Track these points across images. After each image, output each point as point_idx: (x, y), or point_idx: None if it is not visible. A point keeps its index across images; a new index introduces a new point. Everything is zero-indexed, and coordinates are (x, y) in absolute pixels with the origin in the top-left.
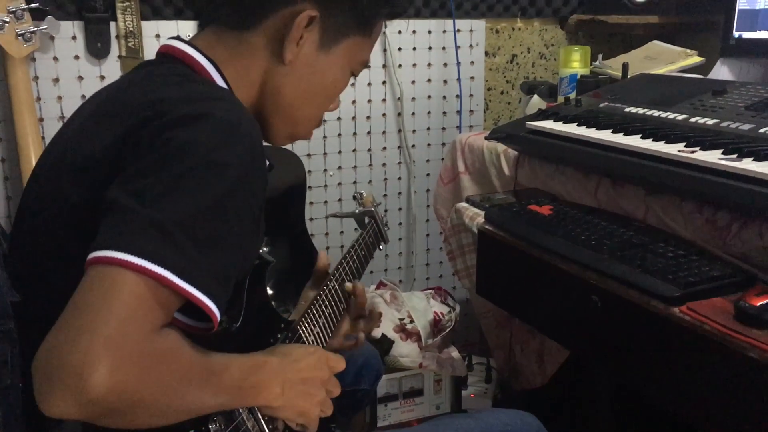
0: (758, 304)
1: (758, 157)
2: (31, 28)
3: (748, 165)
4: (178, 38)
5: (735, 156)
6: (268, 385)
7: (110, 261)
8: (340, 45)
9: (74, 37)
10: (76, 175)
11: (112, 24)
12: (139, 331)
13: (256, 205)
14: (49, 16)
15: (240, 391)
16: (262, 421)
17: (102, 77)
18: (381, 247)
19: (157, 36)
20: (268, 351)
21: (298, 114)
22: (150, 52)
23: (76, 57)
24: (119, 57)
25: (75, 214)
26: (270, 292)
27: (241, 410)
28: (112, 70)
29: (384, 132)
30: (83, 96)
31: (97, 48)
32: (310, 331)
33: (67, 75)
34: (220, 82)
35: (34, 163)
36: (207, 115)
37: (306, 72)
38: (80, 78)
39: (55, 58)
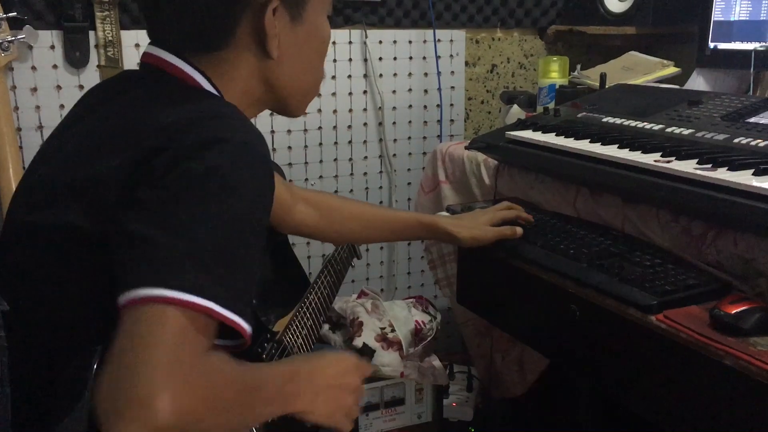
0: (733, 312)
1: (732, 167)
2: (9, 38)
3: (722, 175)
4: (160, 45)
5: (710, 166)
6: (301, 393)
7: (153, 300)
8: (307, 7)
9: (53, 47)
10: (75, 195)
11: (91, 33)
12: (192, 359)
13: (267, 217)
14: (27, 26)
15: (277, 401)
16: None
17: (81, 86)
18: (353, 264)
19: (137, 45)
20: (302, 359)
21: (307, 85)
22: (129, 61)
23: (55, 66)
24: (98, 66)
25: (71, 233)
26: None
27: None
28: (90, 79)
29: (365, 141)
30: (62, 105)
31: (76, 57)
32: (294, 342)
33: (46, 84)
34: (209, 87)
35: (11, 173)
36: (219, 140)
37: (295, 52)
38: (59, 87)
39: (34, 68)
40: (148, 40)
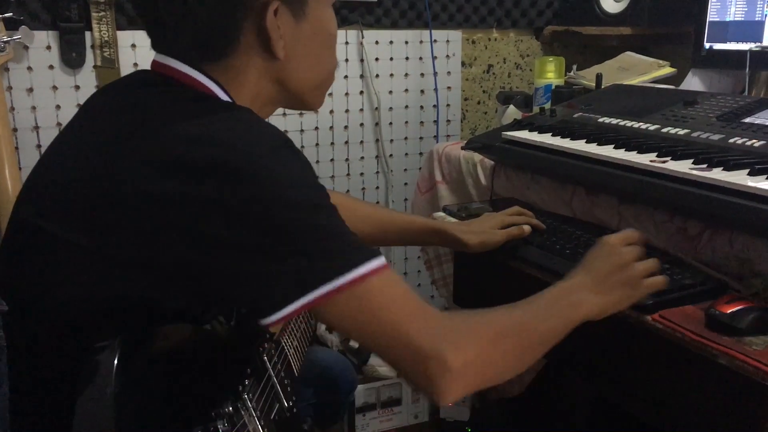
0: (728, 311)
1: (727, 167)
2: (5, 38)
3: (718, 175)
4: (167, 54)
5: (705, 166)
6: (582, 300)
7: (355, 280)
8: (309, 1)
9: (49, 47)
10: (86, 198)
11: (87, 34)
12: (433, 311)
13: None
14: (23, 26)
15: (558, 317)
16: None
17: (77, 87)
18: None
19: (133, 46)
20: (570, 274)
21: (320, 78)
22: (125, 62)
23: (51, 67)
24: (94, 67)
25: (77, 238)
26: None
27: (243, 413)
28: (87, 80)
29: (362, 142)
30: (58, 106)
31: (72, 58)
32: (290, 344)
33: (42, 85)
34: (222, 95)
35: (7, 173)
36: (277, 170)
37: (302, 48)
38: (55, 88)
39: (30, 68)
40: (146, 42)
